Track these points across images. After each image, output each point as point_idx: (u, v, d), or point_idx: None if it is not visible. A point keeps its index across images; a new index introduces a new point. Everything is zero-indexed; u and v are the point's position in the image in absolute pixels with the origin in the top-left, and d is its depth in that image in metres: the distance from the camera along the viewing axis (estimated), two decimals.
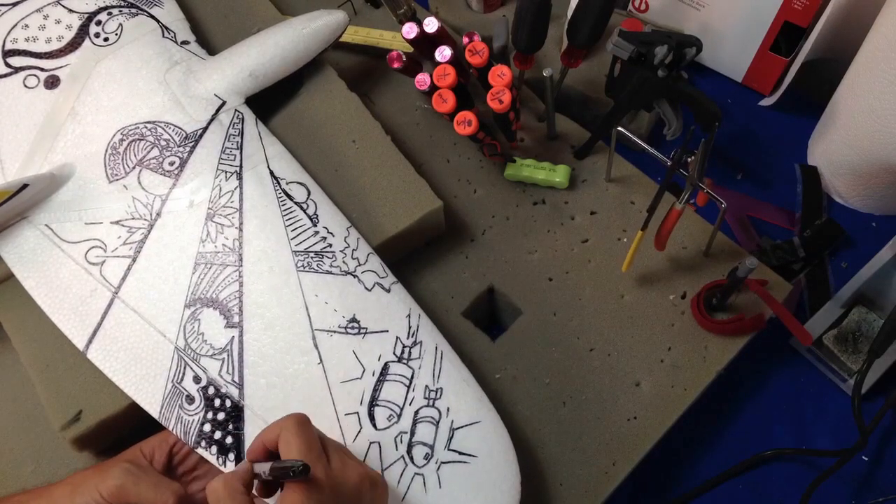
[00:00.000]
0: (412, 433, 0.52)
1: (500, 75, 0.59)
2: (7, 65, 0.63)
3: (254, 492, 0.44)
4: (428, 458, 0.51)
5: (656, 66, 0.61)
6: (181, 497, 0.48)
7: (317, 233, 0.57)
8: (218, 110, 0.61)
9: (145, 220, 0.58)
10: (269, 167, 0.59)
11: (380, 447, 0.51)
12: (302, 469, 0.41)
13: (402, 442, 0.52)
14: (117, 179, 0.59)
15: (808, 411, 0.64)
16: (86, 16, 0.65)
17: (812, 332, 0.64)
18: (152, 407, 0.52)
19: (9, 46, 0.64)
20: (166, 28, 0.65)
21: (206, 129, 0.60)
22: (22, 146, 0.60)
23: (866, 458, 0.62)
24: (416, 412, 0.52)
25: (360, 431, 0.52)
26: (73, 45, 0.64)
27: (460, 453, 0.52)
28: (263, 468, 0.43)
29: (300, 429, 0.44)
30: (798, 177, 0.75)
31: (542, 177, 0.66)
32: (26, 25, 0.64)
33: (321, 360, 0.53)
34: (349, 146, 0.63)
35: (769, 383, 0.65)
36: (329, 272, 0.56)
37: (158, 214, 0.58)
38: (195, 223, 0.57)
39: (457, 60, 0.61)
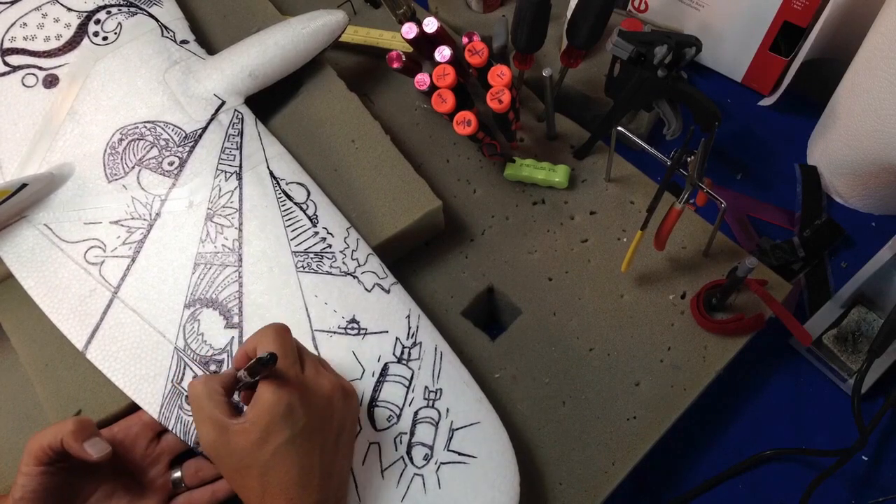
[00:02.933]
0: (412, 434, 0.52)
1: (500, 75, 0.59)
2: (5, 63, 0.63)
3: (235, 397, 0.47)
4: (427, 458, 0.51)
5: (656, 66, 0.61)
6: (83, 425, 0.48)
7: (316, 233, 0.57)
8: (217, 110, 0.61)
9: (144, 219, 0.57)
10: (268, 167, 0.59)
11: (379, 448, 0.51)
12: (269, 358, 0.42)
13: (401, 442, 0.52)
14: (116, 179, 0.59)
15: (807, 411, 0.64)
16: (85, 14, 0.65)
17: (812, 332, 0.64)
18: (152, 407, 0.52)
19: (7, 45, 0.64)
20: (165, 27, 0.65)
21: (205, 128, 0.60)
22: (21, 145, 0.60)
23: (866, 458, 0.62)
24: (416, 413, 0.52)
25: (359, 432, 0.52)
26: (72, 44, 0.64)
27: (460, 454, 0.52)
28: (241, 373, 0.44)
29: (277, 335, 0.46)
30: (798, 177, 0.75)
31: (542, 177, 0.66)
32: (25, 24, 0.64)
33: None
34: (349, 146, 0.63)
35: (769, 383, 0.65)
36: (329, 273, 0.55)
37: (158, 214, 0.58)
38: (195, 223, 0.57)
39: (456, 60, 0.61)
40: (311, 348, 0.53)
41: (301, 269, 0.55)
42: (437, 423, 0.52)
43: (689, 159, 0.55)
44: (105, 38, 0.64)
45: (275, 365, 0.43)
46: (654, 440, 0.56)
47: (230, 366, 0.51)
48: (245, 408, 0.46)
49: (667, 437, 0.57)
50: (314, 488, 0.45)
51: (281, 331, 0.46)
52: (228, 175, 0.58)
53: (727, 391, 0.64)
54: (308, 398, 0.45)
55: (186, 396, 0.52)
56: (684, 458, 0.63)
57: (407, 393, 0.53)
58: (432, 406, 0.53)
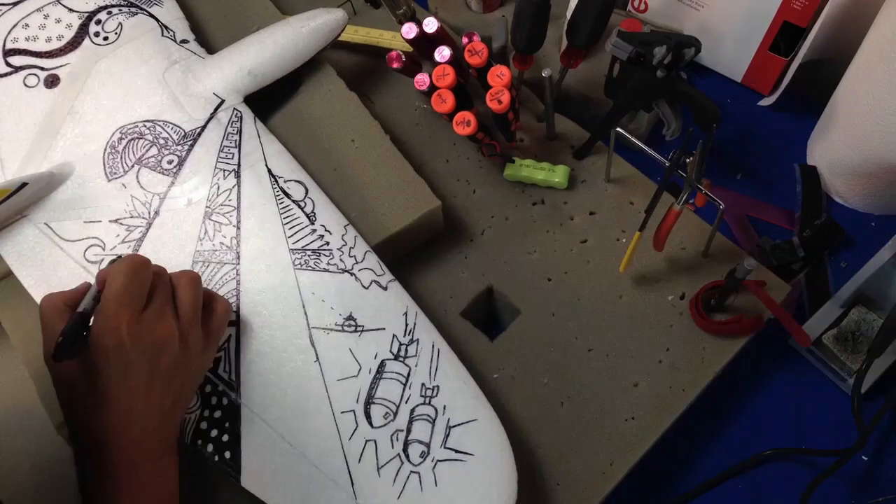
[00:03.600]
0: (408, 431, 0.52)
1: (500, 75, 0.59)
2: (7, 64, 0.63)
3: None
4: (424, 456, 0.51)
5: (655, 66, 0.61)
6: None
7: (314, 231, 0.57)
8: (216, 109, 0.61)
9: (144, 218, 0.58)
10: (266, 165, 0.59)
11: (376, 445, 0.51)
12: (77, 318, 0.45)
13: (398, 440, 0.52)
14: (116, 178, 0.59)
15: (807, 411, 0.64)
16: (86, 15, 0.65)
17: (811, 332, 0.64)
18: None
19: (9, 46, 0.64)
20: (165, 27, 0.66)
21: (204, 127, 0.60)
22: (22, 145, 0.61)
23: (866, 458, 0.62)
24: (413, 410, 0.52)
25: (356, 429, 0.52)
26: (73, 45, 0.64)
27: (457, 451, 0.52)
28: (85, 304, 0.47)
29: (126, 274, 0.46)
30: (797, 177, 0.75)
31: (542, 177, 0.66)
32: (27, 25, 0.65)
33: (318, 357, 0.53)
34: (348, 145, 0.63)
35: (768, 383, 0.65)
36: (326, 270, 0.56)
37: (157, 213, 0.58)
38: (193, 221, 0.57)
39: (456, 60, 0.61)
40: (308, 345, 0.53)
41: (298, 266, 0.55)
42: (434, 421, 0.52)
43: (688, 160, 0.55)
44: (106, 39, 0.64)
45: (84, 325, 0.45)
46: (652, 441, 0.56)
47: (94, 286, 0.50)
48: None
49: (666, 437, 0.57)
50: (145, 422, 0.46)
51: (131, 269, 0.47)
52: (227, 173, 0.59)
53: (726, 391, 0.64)
54: (136, 340, 0.46)
55: None
56: (684, 458, 0.62)
57: (404, 390, 0.53)
58: (429, 403, 0.53)
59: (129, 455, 0.46)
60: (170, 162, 0.59)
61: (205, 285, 0.55)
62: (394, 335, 0.54)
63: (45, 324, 0.47)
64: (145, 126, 0.60)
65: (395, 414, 0.52)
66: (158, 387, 0.47)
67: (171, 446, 0.49)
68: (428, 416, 0.52)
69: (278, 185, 0.58)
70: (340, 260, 0.56)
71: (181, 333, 0.48)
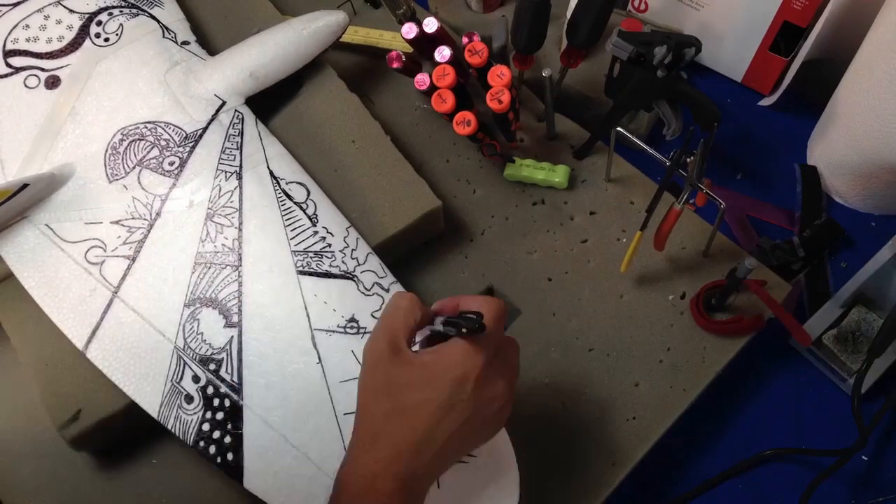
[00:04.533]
0: None
1: (500, 75, 0.59)
2: (8, 65, 0.63)
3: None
4: None
5: (656, 66, 0.61)
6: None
7: (316, 233, 0.57)
8: (218, 110, 0.61)
9: (145, 219, 0.58)
10: (268, 167, 0.59)
11: None
12: (476, 320, 0.41)
13: None
14: (117, 179, 0.59)
15: (807, 411, 0.64)
16: (86, 16, 0.65)
17: (811, 332, 0.64)
18: (151, 406, 0.52)
19: (10, 46, 0.64)
20: (167, 28, 0.66)
21: (206, 129, 0.60)
22: (22, 146, 0.61)
23: (866, 458, 0.62)
24: None
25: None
26: (74, 46, 0.64)
27: None
28: (439, 320, 0.44)
29: (499, 312, 0.45)
30: (798, 177, 0.75)
31: (542, 177, 0.66)
32: (27, 26, 0.65)
33: (320, 359, 0.53)
34: (349, 146, 0.63)
35: (769, 383, 0.65)
36: (328, 272, 0.56)
37: (158, 214, 0.58)
38: (195, 223, 0.57)
39: (456, 60, 0.61)
40: (310, 347, 0.53)
41: (300, 268, 0.55)
42: None
43: (688, 159, 0.55)
44: (107, 40, 0.64)
45: (478, 331, 0.42)
46: (653, 441, 0.56)
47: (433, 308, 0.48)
48: (417, 348, 0.45)
49: (666, 437, 0.57)
50: (422, 461, 0.42)
51: (501, 310, 0.45)
52: (229, 175, 0.59)
53: (727, 391, 0.64)
54: (481, 384, 0.43)
55: (186, 395, 0.52)
56: (684, 458, 0.62)
57: None
58: None
59: (392, 476, 0.41)
60: (171, 163, 0.59)
61: (206, 287, 0.55)
62: None
63: (390, 321, 0.44)
64: (146, 127, 0.60)
65: None
66: (459, 437, 0.43)
67: (422, 498, 0.44)
68: None
69: (280, 186, 0.58)
70: (342, 262, 0.56)
71: (512, 390, 0.46)
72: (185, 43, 0.65)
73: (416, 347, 0.46)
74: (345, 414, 0.52)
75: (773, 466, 0.62)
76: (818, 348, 0.65)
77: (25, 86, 0.63)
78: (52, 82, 0.63)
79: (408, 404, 0.42)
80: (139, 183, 0.59)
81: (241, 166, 0.59)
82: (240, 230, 0.57)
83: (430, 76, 0.60)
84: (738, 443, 0.63)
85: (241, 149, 0.60)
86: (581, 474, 0.55)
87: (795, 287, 0.68)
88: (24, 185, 0.55)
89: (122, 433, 0.57)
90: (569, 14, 0.70)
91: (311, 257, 0.56)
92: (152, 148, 0.60)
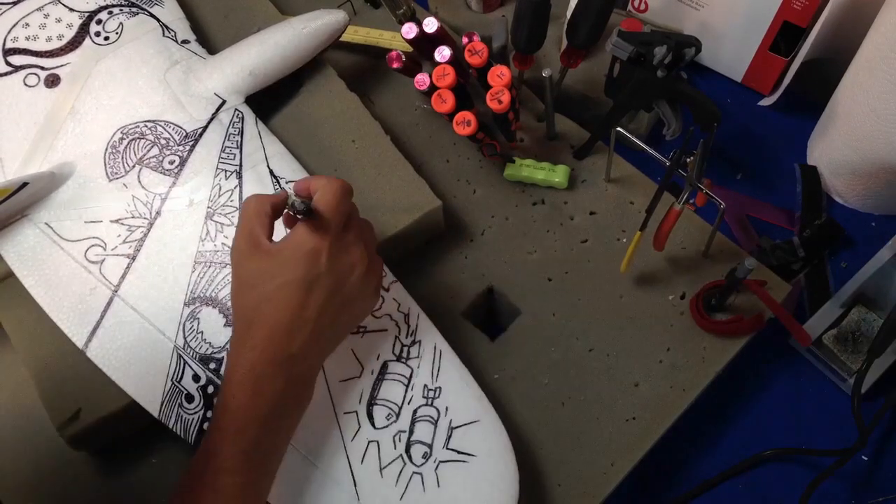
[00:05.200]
0: (411, 432, 0.52)
1: (500, 75, 0.59)
2: (8, 63, 0.63)
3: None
4: (426, 457, 0.51)
5: (655, 66, 0.61)
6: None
7: None
8: (218, 109, 0.61)
9: (145, 218, 0.58)
10: (268, 166, 0.59)
11: (378, 446, 0.51)
12: (304, 209, 0.45)
13: (400, 441, 0.52)
14: (117, 178, 0.59)
15: (807, 411, 0.64)
16: (86, 15, 0.65)
17: (811, 332, 0.64)
18: (151, 405, 0.52)
19: (9, 45, 0.64)
20: (166, 27, 0.66)
21: (206, 128, 0.60)
22: (22, 145, 0.61)
23: (866, 458, 0.62)
24: (415, 411, 0.53)
25: (358, 430, 0.52)
26: (74, 44, 0.64)
27: (459, 452, 0.52)
28: (291, 198, 0.46)
29: (339, 191, 0.48)
30: (798, 177, 0.75)
31: (542, 177, 0.66)
32: (27, 24, 0.65)
33: None
34: (349, 146, 0.63)
35: (768, 383, 0.65)
36: None
37: (158, 213, 0.58)
38: (195, 222, 0.57)
39: (456, 60, 0.61)
40: None
41: None
42: (437, 422, 0.52)
43: (688, 160, 0.55)
44: (106, 38, 0.64)
45: (308, 217, 0.45)
46: (653, 441, 0.56)
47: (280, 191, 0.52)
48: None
49: (666, 437, 0.57)
50: (297, 341, 0.45)
51: (342, 189, 0.48)
52: (229, 174, 0.59)
53: (727, 391, 0.64)
54: (334, 256, 0.47)
55: (187, 394, 0.52)
56: (684, 458, 0.62)
57: (406, 391, 0.53)
58: (431, 404, 0.53)
59: (268, 360, 0.45)
60: (171, 162, 0.59)
61: (206, 286, 0.55)
62: (396, 336, 0.55)
63: (246, 222, 0.47)
64: (146, 126, 0.60)
65: (398, 415, 0.52)
66: (330, 311, 0.47)
67: (310, 382, 0.48)
68: (430, 417, 0.52)
69: (280, 185, 0.58)
70: None
71: (370, 258, 0.49)
72: (185, 42, 0.65)
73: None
74: (345, 413, 0.52)
75: (773, 466, 0.62)
76: (818, 348, 0.65)
77: (25, 84, 0.63)
78: (52, 81, 0.63)
79: (271, 290, 0.45)
80: (139, 182, 0.59)
81: (241, 165, 0.59)
82: None
83: (430, 76, 0.60)
84: (738, 443, 0.63)
85: (240, 148, 0.60)
86: (581, 474, 0.55)
87: (795, 287, 0.68)
88: (24, 184, 0.55)
89: (122, 433, 0.57)
90: (569, 14, 0.70)
91: None
92: (152, 147, 0.60)
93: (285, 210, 0.49)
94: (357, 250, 0.49)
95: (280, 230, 0.50)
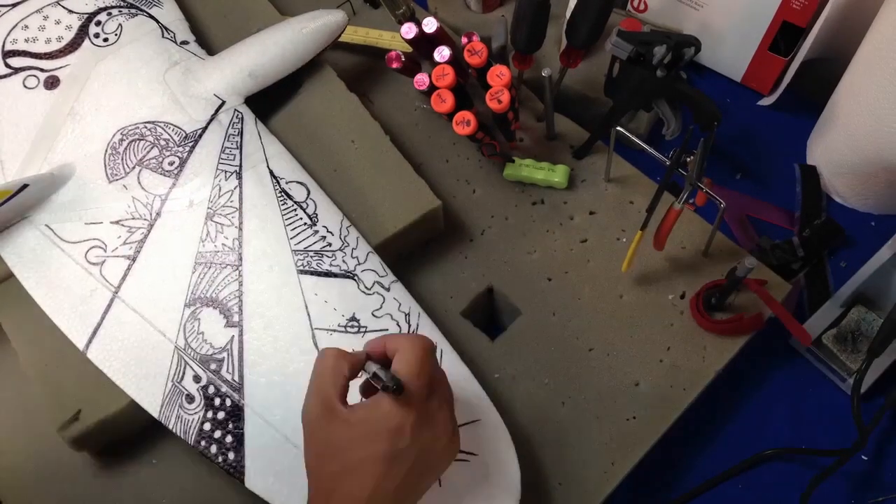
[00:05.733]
0: None
1: (499, 75, 0.59)
2: (7, 65, 0.63)
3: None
4: None
5: (655, 65, 0.61)
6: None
7: (316, 232, 0.57)
8: (217, 110, 0.61)
9: (145, 219, 0.58)
10: (268, 166, 0.59)
11: None
12: (394, 388, 0.42)
13: None
14: (117, 179, 0.59)
15: (807, 411, 0.64)
16: (85, 16, 0.65)
17: (811, 332, 0.64)
18: (152, 406, 0.52)
19: (9, 47, 0.64)
20: (166, 28, 0.66)
21: (205, 128, 0.60)
22: (22, 146, 0.61)
23: (866, 458, 0.62)
24: None
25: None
26: (73, 46, 0.64)
27: (460, 451, 0.52)
28: (372, 367, 0.44)
29: (423, 354, 0.45)
30: (797, 176, 0.75)
31: (541, 177, 0.66)
32: (26, 26, 0.65)
33: None
34: (348, 146, 0.63)
35: (769, 383, 0.65)
36: (329, 271, 0.56)
37: (158, 214, 0.58)
38: (195, 223, 0.57)
39: (456, 60, 0.61)
40: (311, 346, 0.53)
41: (301, 267, 0.55)
42: None
43: (688, 159, 0.55)
44: (106, 40, 0.64)
45: (398, 392, 0.43)
46: (653, 440, 0.56)
47: (358, 351, 0.48)
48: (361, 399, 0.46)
49: (666, 437, 0.57)
50: None
51: (426, 351, 0.45)
52: (228, 174, 0.59)
53: (727, 391, 0.64)
54: (419, 429, 0.44)
55: (187, 395, 0.52)
56: (684, 458, 0.62)
57: None
58: None
59: None
60: (171, 163, 0.59)
61: (207, 287, 0.55)
62: None
63: (320, 382, 0.45)
64: (146, 127, 0.60)
65: None
66: (412, 479, 0.44)
67: None
68: None
69: (280, 186, 0.58)
70: (343, 261, 0.56)
71: (453, 427, 0.47)
72: (185, 42, 0.65)
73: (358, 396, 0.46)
74: None
75: (773, 466, 0.62)
76: (818, 348, 0.65)
77: (24, 86, 0.63)
78: (52, 83, 0.63)
79: (352, 462, 0.43)
80: (139, 183, 0.59)
81: (240, 166, 0.59)
82: (240, 230, 0.57)
83: (430, 76, 0.60)
84: (738, 442, 0.63)
85: (240, 148, 0.60)
86: (581, 474, 0.55)
87: (795, 287, 0.68)
88: (24, 186, 0.56)
89: (123, 433, 0.57)
90: (568, 14, 0.70)
91: (311, 256, 0.56)
92: (152, 148, 0.60)
93: (364, 376, 0.46)
94: (442, 417, 0.46)
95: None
